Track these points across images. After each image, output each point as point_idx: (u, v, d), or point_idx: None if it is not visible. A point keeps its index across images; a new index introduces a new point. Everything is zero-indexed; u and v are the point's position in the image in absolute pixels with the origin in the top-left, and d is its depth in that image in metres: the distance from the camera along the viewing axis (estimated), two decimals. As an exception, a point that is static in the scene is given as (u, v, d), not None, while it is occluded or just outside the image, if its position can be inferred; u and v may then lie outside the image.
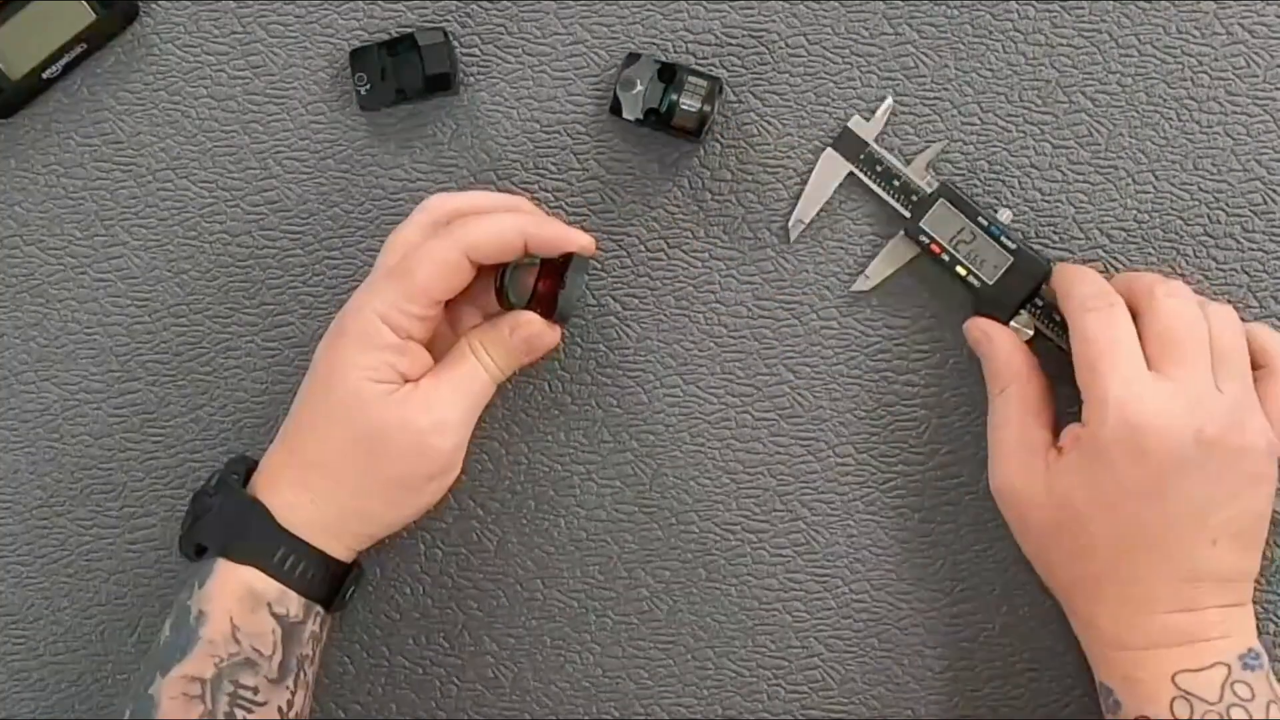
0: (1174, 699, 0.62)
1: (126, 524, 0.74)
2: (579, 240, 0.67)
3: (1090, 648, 0.66)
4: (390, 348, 0.64)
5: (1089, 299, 0.65)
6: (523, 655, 0.74)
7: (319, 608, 0.66)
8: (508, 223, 0.66)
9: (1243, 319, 0.72)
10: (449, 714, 0.74)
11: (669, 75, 0.71)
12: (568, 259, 0.68)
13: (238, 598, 0.64)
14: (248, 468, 0.68)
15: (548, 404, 0.73)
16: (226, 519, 0.65)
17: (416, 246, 0.66)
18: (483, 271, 0.69)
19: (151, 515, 0.74)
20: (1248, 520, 0.64)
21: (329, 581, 0.66)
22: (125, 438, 0.74)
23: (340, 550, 0.66)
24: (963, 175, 0.73)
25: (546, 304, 0.68)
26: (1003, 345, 0.68)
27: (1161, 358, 0.63)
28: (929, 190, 0.71)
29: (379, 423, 0.64)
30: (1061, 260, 0.72)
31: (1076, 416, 0.65)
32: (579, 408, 0.73)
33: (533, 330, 0.67)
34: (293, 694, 0.65)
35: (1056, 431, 0.67)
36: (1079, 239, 0.72)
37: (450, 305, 0.70)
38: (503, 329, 0.67)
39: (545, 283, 0.68)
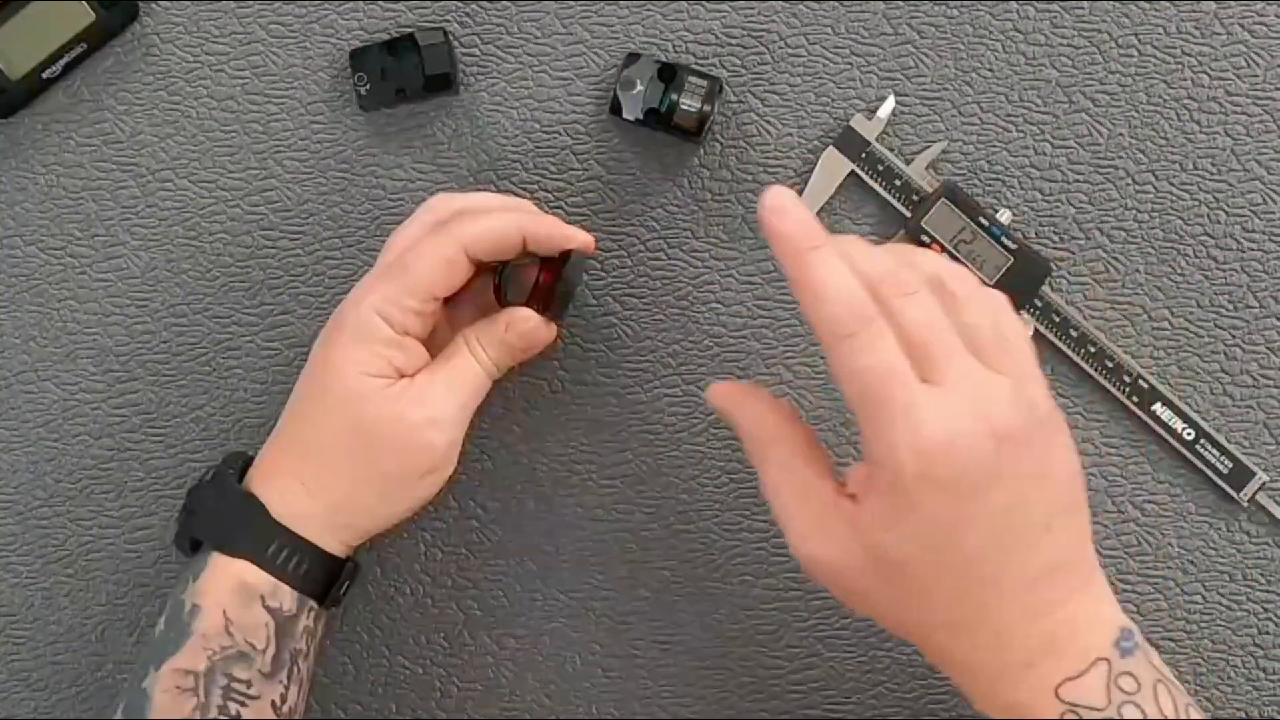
0: (1063, 715, 0.56)
1: (126, 524, 0.74)
2: (578, 238, 0.67)
3: (961, 684, 0.59)
4: (387, 342, 0.65)
5: (841, 323, 0.55)
6: (523, 655, 0.74)
7: (313, 603, 0.66)
8: (507, 220, 0.66)
9: (1241, 321, 0.72)
10: (449, 714, 0.74)
11: (669, 75, 0.71)
12: (566, 256, 0.68)
13: (231, 591, 0.64)
14: (243, 463, 0.68)
15: (548, 404, 0.73)
16: (220, 513, 0.65)
17: (416, 242, 0.66)
18: (482, 269, 0.69)
19: (151, 515, 0.74)
20: (1068, 488, 0.58)
21: (323, 576, 0.66)
22: (125, 438, 0.74)
23: (335, 545, 0.66)
24: (963, 175, 0.73)
25: (544, 301, 0.68)
26: (751, 407, 0.61)
27: (922, 363, 0.55)
28: (930, 190, 0.71)
29: (374, 417, 0.64)
30: (1061, 260, 0.72)
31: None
32: (579, 408, 0.73)
33: (528, 326, 0.67)
34: (286, 688, 0.65)
35: (835, 470, 0.59)
36: (1079, 239, 0.73)
37: (449, 302, 0.70)
38: (499, 325, 0.67)
39: (543, 280, 0.68)
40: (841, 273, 0.56)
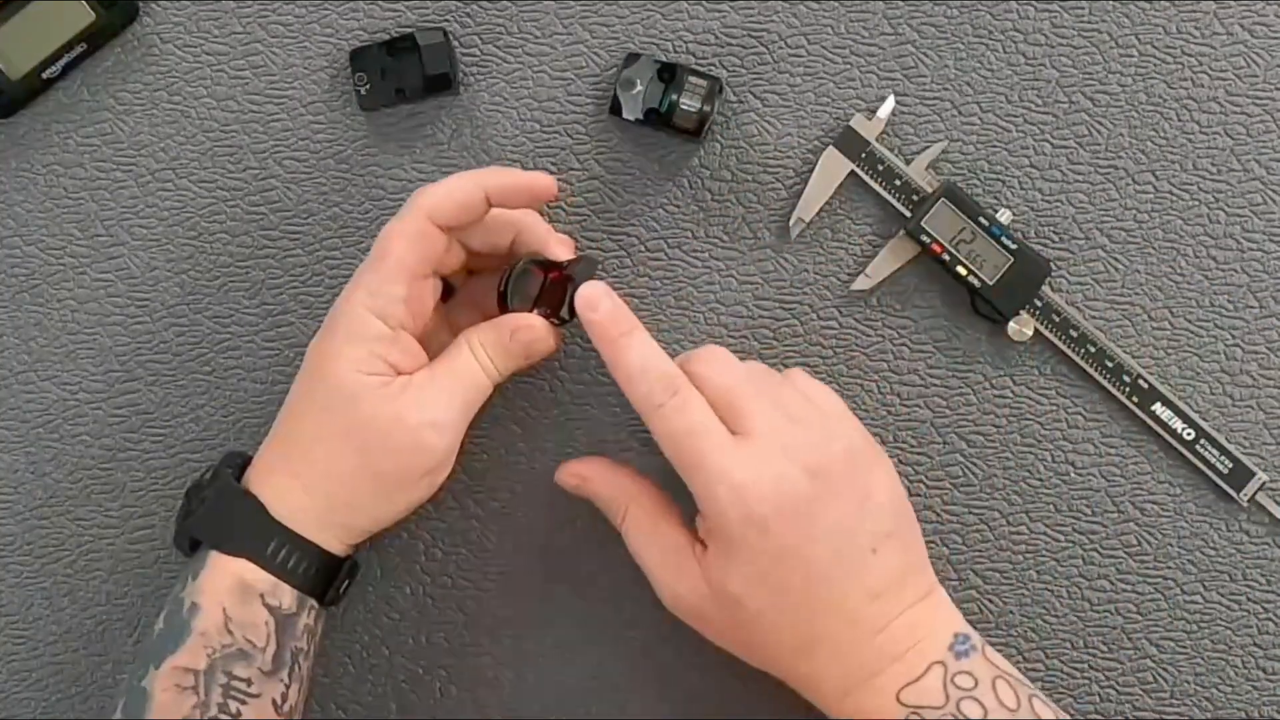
0: (906, 717, 0.61)
1: (126, 524, 0.74)
2: (540, 183, 0.67)
3: (813, 699, 0.64)
4: (379, 339, 0.64)
5: (652, 395, 0.62)
6: (523, 656, 0.74)
7: (312, 601, 0.66)
8: (464, 178, 0.66)
9: (1241, 321, 0.72)
10: (449, 714, 0.74)
11: (669, 75, 0.71)
12: (573, 264, 0.68)
13: (230, 590, 0.64)
14: (242, 462, 0.68)
15: (548, 404, 0.73)
16: (219, 511, 0.65)
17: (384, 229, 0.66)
18: (485, 274, 0.69)
19: (151, 515, 0.74)
20: (889, 511, 0.63)
21: (322, 575, 0.66)
22: (125, 438, 0.74)
23: (333, 544, 0.66)
24: (963, 175, 0.73)
25: (549, 309, 0.68)
26: (603, 478, 0.67)
27: (731, 421, 0.62)
28: (930, 190, 0.71)
29: (371, 417, 0.64)
30: (1061, 260, 0.72)
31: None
32: (579, 408, 0.73)
33: (534, 335, 0.67)
34: (287, 686, 0.65)
35: (691, 518, 0.65)
36: (1079, 239, 0.73)
37: (450, 308, 0.70)
38: (503, 331, 0.67)
39: (550, 288, 0.68)
40: (650, 352, 0.63)
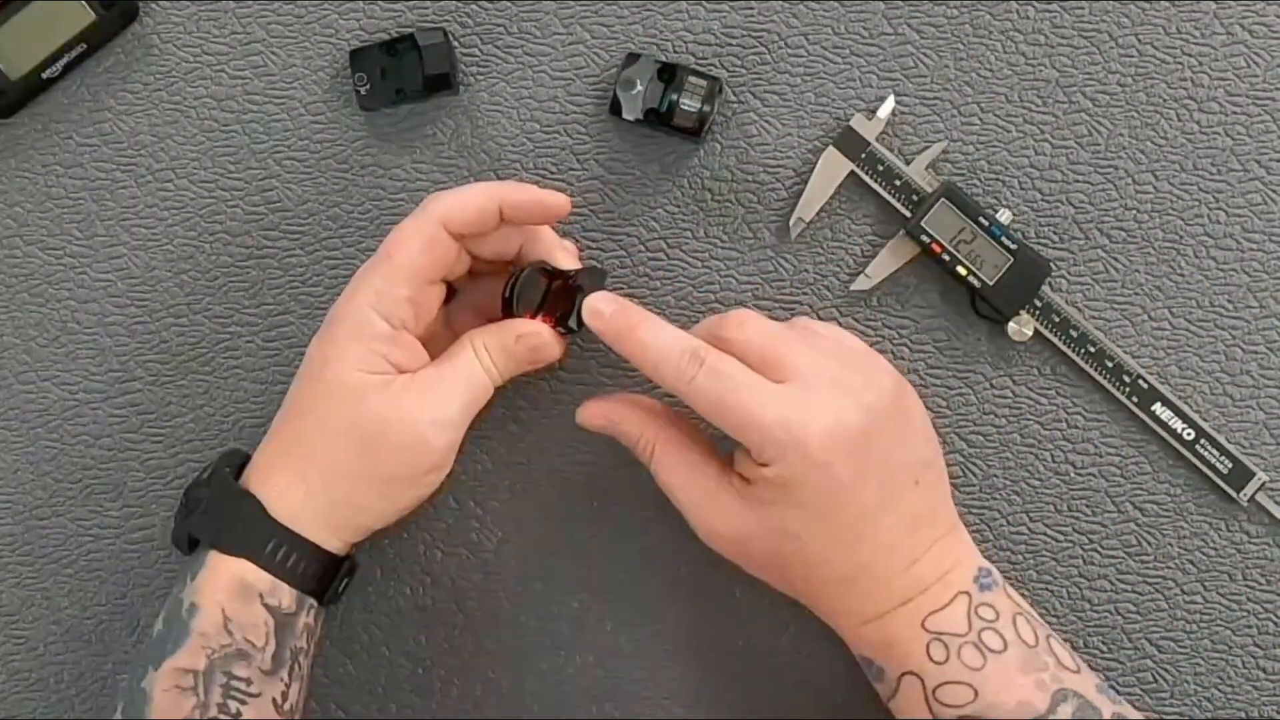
0: (929, 643, 0.62)
1: (126, 524, 0.74)
2: (553, 201, 0.67)
3: (841, 630, 0.66)
4: (382, 337, 0.65)
5: (682, 373, 0.62)
6: (523, 656, 0.74)
7: (312, 600, 0.66)
8: (481, 189, 0.66)
9: (1241, 321, 0.72)
10: (449, 714, 0.74)
11: (669, 75, 0.71)
12: (581, 274, 0.68)
13: (229, 590, 0.64)
14: (241, 461, 0.68)
15: (548, 404, 0.73)
16: (218, 511, 0.65)
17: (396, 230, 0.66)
18: (487, 277, 0.69)
19: (151, 515, 0.74)
20: (927, 443, 0.65)
21: (321, 574, 0.66)
22: (125, 438, 0.74)
23: (333, 542, 0.66)
24: (963, 175, 0.73)
25: (556, 316, 0.68)
26: (628, 415, 0.67)
27: (771, 372, 0.62)
28: (930, 190, 0.71)
29: (373, 414, 0.64)
30: (1061, 260, 0.72)
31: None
32: (579, 407, 0.73)
33: (540, 341, 0.67)
34: (287, 686, 0.65)
35: (718, 447, 0.66)
36: (1079, 239, 0.73)
37: (451, 309, 0.70)
38: (508, 335, 0.67)
39: (555, 296, 0.68)
40: (666, 334, 0.64)
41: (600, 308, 0.65)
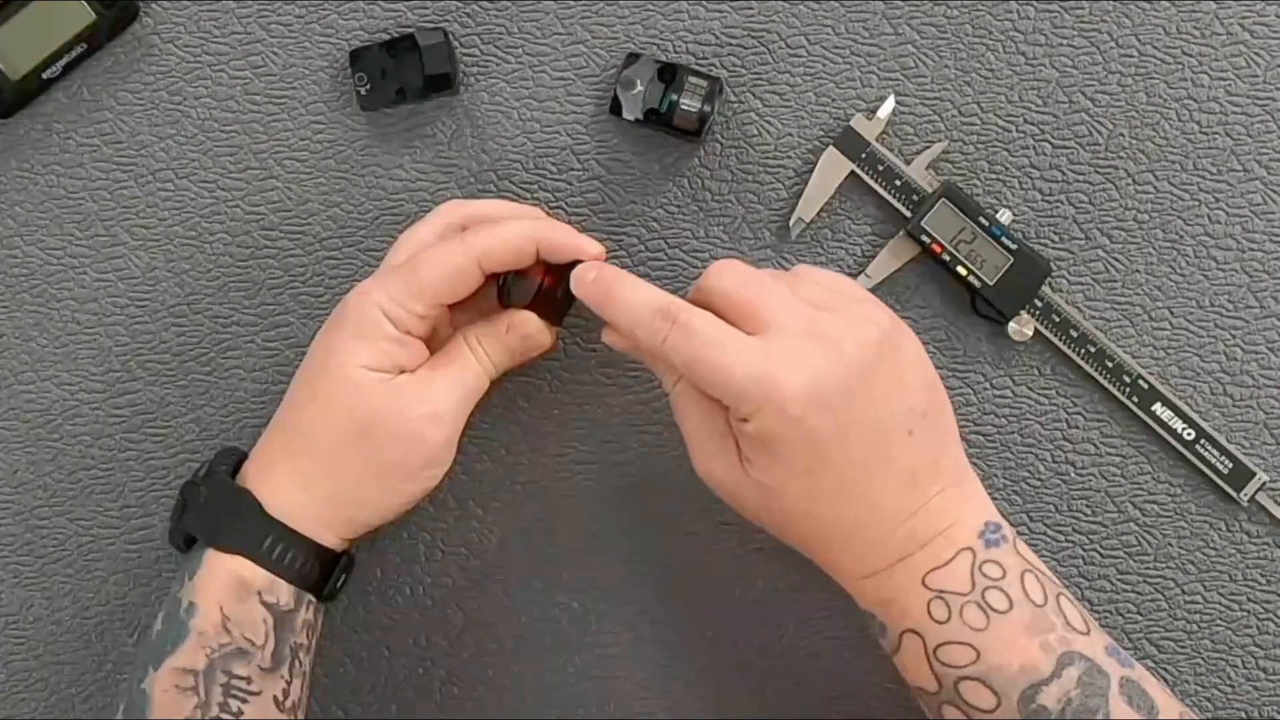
0: (929, 601, 0.60)
1: (126, 524, 0.74)
2: (591, 249, 0.67)
3: (842, 582, 0.64)
4: (389, 339, 0.65)
5: (654, 332, 0.61)
6: (523, 656, 0.74)
7: (310, 596, 0.66)
8: (520, 230, 0.66)
9: (1241, 321, 0.72)
10: (449, 714, 0.74)
11: (669, 75, 0.71)
12: (573, 264, 0.68)
13: (227, 588, 0.64)
14: (237, 459, 0.68)
15: (548, 404, 0.73)
16: (214, 509, 0.65)
17: (427, 246, 0.66)
18: (492, 278, 0.69)
19: (151, 515, 0.74)
20: (923, 388, 0.62)
21: (319, 570, 0.66)
22: (125, 438, 0.74)
23: (330, 538, 0.66)
24: (963, 175, 0.73)
25: (547, 305, 0.68)
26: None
27: (749, 323, 0.60)
28: (930, 190, 0.71)
29: (373, 410, 0.64)
30: (1061, 260, 0.72)
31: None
32: (579, 408, 0.73)
33: (529, 330, 0.68)
34: (288, 683, 0.65)
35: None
36: (1079, 239, 0.73)
37: (455, 308, 0.70)
38: (500, 326, 0.68)
39: (548, 284, 0.68)
40: (640, 293, 0.62)
41: (584, 275, 0.64)
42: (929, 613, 0.60)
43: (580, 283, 0.64)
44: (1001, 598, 0.60)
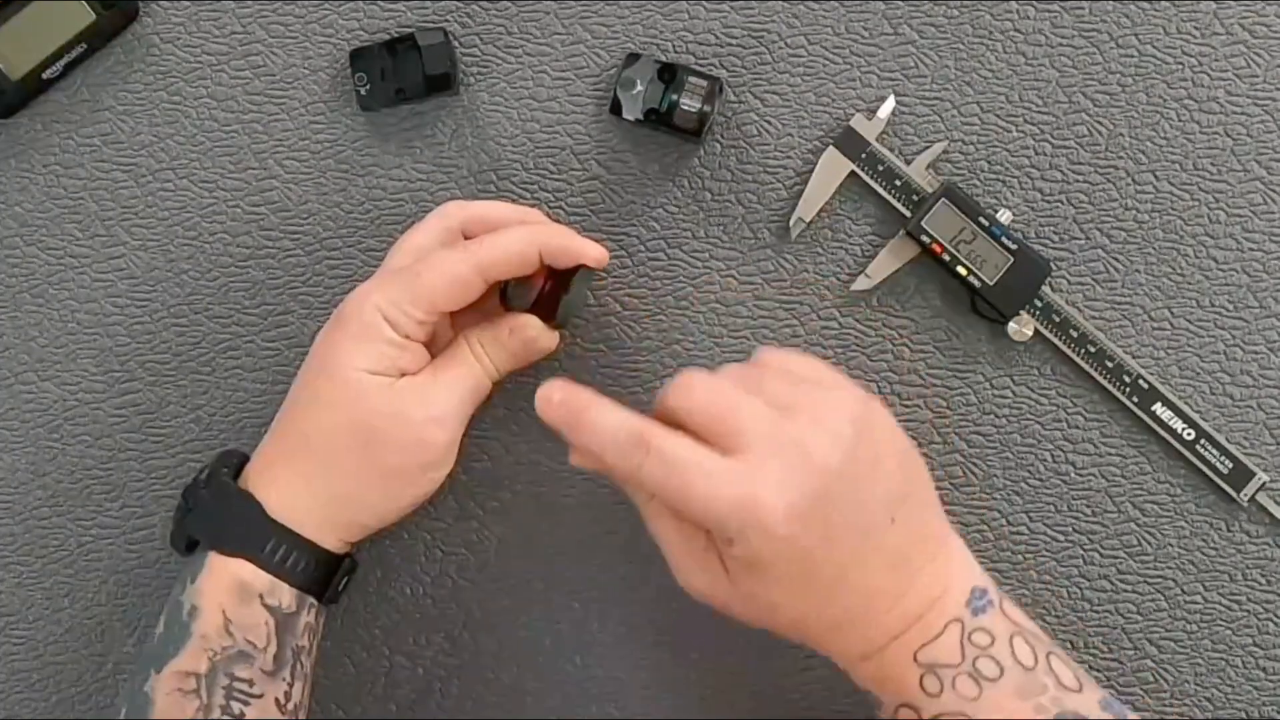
0: (922, 676, 0.60)
1: (126, 524, 0.74)
2: (592, 253, 0.67)
3: (834, 659, 0.63)
4: (389, 343, 0.65)
5: (628, 459, 0.59)
6: (523, 656, 0.74)
7: (312, 599, 0.66)
8: (522, 237, 0.66)
9: (1241, 321, 0.72)
10: (449, 714, 0.74)
11: (669, 75, 0.71)
12: (575, 268, 0.68)
13: (229, 591, 0.64)
14: (239, 461, 0.68)
15: (548, 404, 0.73)
16: (216, 512, 0.65)
17: (429, 251, 0.66)
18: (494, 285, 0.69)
19: (151, 515, 0.74)
20: (900, 470, 0.61)
21: (321, 573, 0.66)
22: (125, 438, 0.74)
23: (332, 541, 0.66)
24: (963, 175, 0.73)
25: (548, 308, 0.68)
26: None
27: (722, 440, 0.59)
28: (930, 190, 0.71)
29: (375, 413, 0.64)
30: (1061, 260, 0.72)
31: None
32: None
33: (531, 333, 0.68)
34: (290, 685, 0.65)
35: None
36: (1079, 239, 0.73)
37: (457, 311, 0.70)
38: (502, 330, 0.68)
39: (549, 287, 0.68)
40: (612, 419, 0.60)
41: (550, 395, 0.61)
42: (922, 687, 0.60)
43: (545, 403, 0.61)
44: (992, 665, 0.60)
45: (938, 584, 0.61)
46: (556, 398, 0.61)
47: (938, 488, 0.72)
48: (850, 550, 0.59)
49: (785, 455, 0.58)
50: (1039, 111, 0.73)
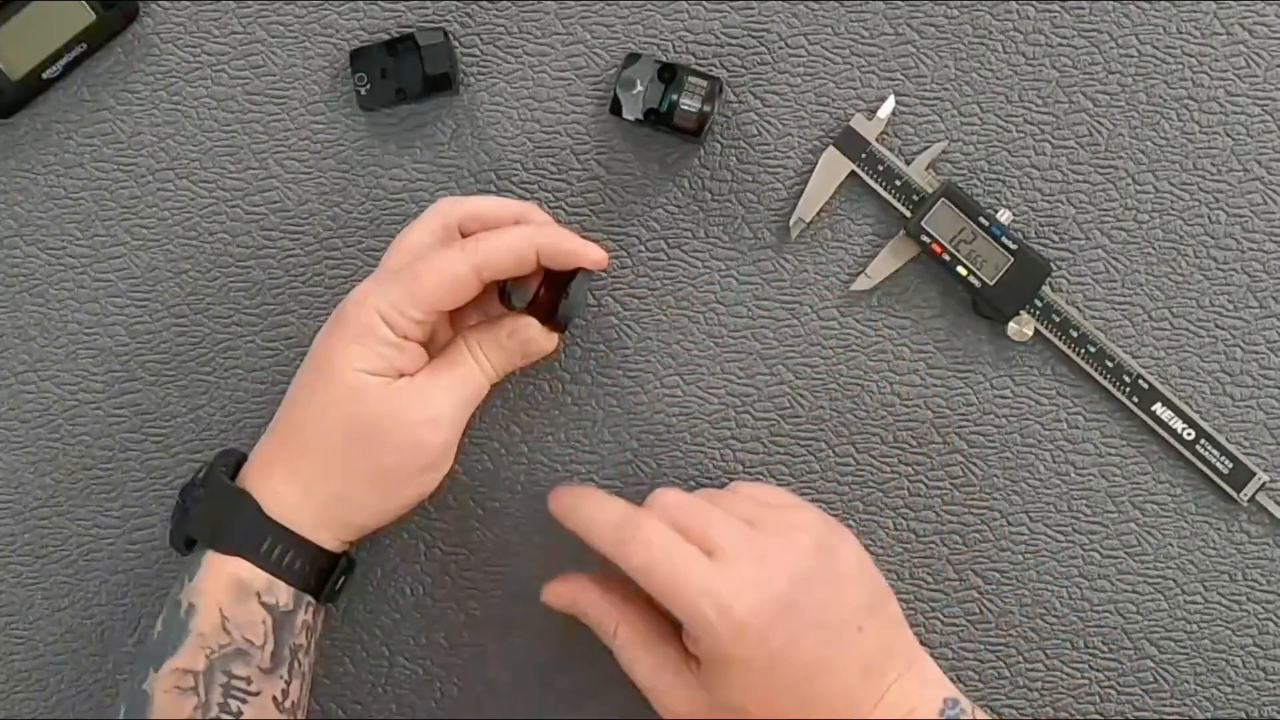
0: None
1: (126, 524, 0.74)
2: (592, 255, 0.67)
3: None
4: (387, 344, 0.65)
5: (618, 531, 0.62)
6: (523, 655, 0.74)
7: (309, 598, 0.66)
8: (521, 237, 0.66)
9: (1241, 321, 0.72)
10: (449, 714, 0.74)
11: (669, 75, 0.71)
12: (575, 269, 0.68)
13: (226, 589, 0.64)
14: (236, 460, 0.68)
15: (548, 404, 0.73)
16: (214, 511, 0.65)
17: (425, 250, 0.66)
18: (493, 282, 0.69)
19: (151, 515, 0.74)
20: (865, 584, 0.64)
21: (318, 572, 0.66)
22: (125, 438, 0.74)
23: (329, 540, 0.66)
24: (963, 175, 0.73)
25: (547, 309, 0.68)
26: (591, 598, 0.67)
27: (699, 545, 0.62)
28: (930, 190, 0.71)
29: (373, 414, 0.64)
30: (1061, 260, 0.72)
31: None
32: (579, 408, 0.73)
33: (529, 335, 0.68)
34: (287, 683, 0.65)
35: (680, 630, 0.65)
36: (1079, 239, 0.73)
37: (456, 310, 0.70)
38: (500, 331, 0.68)
39: (548, 288, 0.68)
40: (607, 500, 0.64)
41: (557, 494, 0.66)
42: None
43: (553, 501, 0.66)
44: None
45: (907, 699, 0.63)
46: (560, 493, 0.66)
47: (937, 488, 0.73)
48: (813, 656, 0.61)
49: (751, 565, 0.61)
50: (1039, 111, 0.73)
